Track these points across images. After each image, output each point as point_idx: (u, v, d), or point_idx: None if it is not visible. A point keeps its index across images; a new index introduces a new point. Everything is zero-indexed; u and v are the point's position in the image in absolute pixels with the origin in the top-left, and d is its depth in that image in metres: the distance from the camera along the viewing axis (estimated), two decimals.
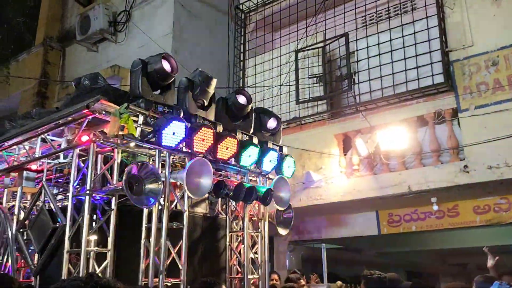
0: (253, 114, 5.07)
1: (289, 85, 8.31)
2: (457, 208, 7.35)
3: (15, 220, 4.40)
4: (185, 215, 4.17)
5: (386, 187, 6.90)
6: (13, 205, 4.61)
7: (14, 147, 4.77)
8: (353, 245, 10.61)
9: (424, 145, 6.87)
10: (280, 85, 8.42)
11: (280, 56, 8.76)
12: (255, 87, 8.85)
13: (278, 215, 5.41)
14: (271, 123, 5.24)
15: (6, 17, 13.58)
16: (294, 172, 5.36)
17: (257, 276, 5.04)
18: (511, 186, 6.29)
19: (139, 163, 3.64)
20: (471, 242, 9.35)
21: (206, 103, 4.46)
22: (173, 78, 4.22)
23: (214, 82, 4.44)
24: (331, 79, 8.15)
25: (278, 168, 5.15)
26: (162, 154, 4.02)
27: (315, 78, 8.07)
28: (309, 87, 8.14)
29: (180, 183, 4.30)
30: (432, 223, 7.57)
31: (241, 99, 4.81)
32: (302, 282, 6.23)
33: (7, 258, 4.38)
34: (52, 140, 4.38)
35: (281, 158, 5.16)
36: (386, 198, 7.06)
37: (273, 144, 5.18)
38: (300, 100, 8.08)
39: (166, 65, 4.04)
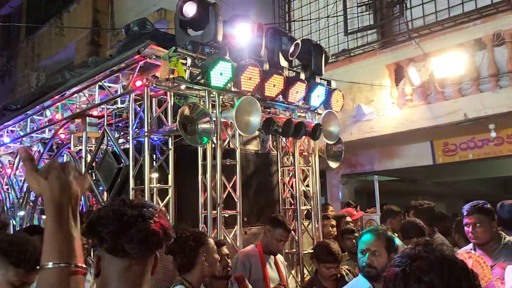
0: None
1: (336, 16, 8.02)
2: None
3: (83, 163, 4.80)
4: (237, 152, 4.37)
5: (441, 116, 6.73)
6: (80, 149, 5.01)
7: (75, 95, 5.09)
8: (407, 176, 10.56)
9: (482, 70, 6.54)
10: (328, 16, 8.15)
11: None
12: (302, 20, 8.62)
13: (328, 149, 5.49)
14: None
15: None
16: (342, 106, 5.35)
17: (310, 207, 5.24)
18: None
19: (190, 104, 3.80)
20: None
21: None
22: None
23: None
24: (381, 5, 7.76)
25: (326, 103, 5.14)
26: (211, 95, 4.15)
27: (364, 6, 7.72)
28: (358, 16, 7.82)
29: (231, 122, 4.46)
30: (490, 151, 7.36)
31: None
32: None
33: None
34: (109, 87, 4.63)
35: (329, 93, 5.14)
36: (441, 127, 6.91)
37: (320, 79, 5.14)
38: (349, 31, 7.82)
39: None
